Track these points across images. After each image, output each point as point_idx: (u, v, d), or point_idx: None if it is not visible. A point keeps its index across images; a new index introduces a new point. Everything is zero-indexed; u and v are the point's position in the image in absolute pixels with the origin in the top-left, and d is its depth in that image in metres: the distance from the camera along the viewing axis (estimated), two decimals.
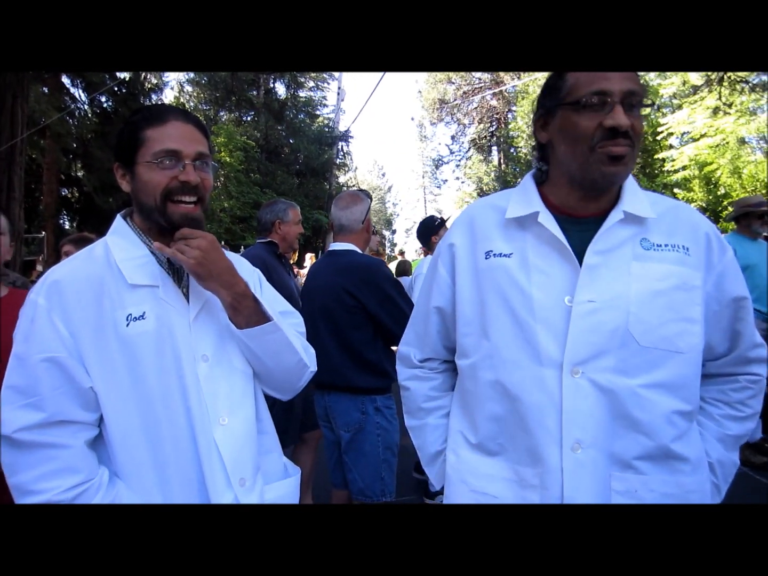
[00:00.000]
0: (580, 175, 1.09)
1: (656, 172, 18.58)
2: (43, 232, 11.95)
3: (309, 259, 9.91)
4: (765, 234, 4.34)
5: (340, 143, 21.67)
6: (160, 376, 1.16)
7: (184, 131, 1.22)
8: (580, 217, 1.14)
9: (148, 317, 1.16)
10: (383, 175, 50.24)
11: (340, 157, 22.46)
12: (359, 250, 2.54)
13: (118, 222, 1.28)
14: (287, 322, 1.41)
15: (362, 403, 2.38)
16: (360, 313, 2.37)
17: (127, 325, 1.14)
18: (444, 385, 1.36)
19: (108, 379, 1.13)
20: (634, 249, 1.09)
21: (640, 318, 1.04)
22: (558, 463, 1.04)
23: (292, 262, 3.95)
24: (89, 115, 14.64)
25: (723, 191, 13.60)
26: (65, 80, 13.81)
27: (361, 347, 2.38)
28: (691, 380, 1.08)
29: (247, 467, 1.23)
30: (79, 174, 14.95)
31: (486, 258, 1.17)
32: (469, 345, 1.20)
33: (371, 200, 2.66)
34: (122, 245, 1.23)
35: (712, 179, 14.12)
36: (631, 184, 1.15)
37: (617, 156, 1.04)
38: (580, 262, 1.08)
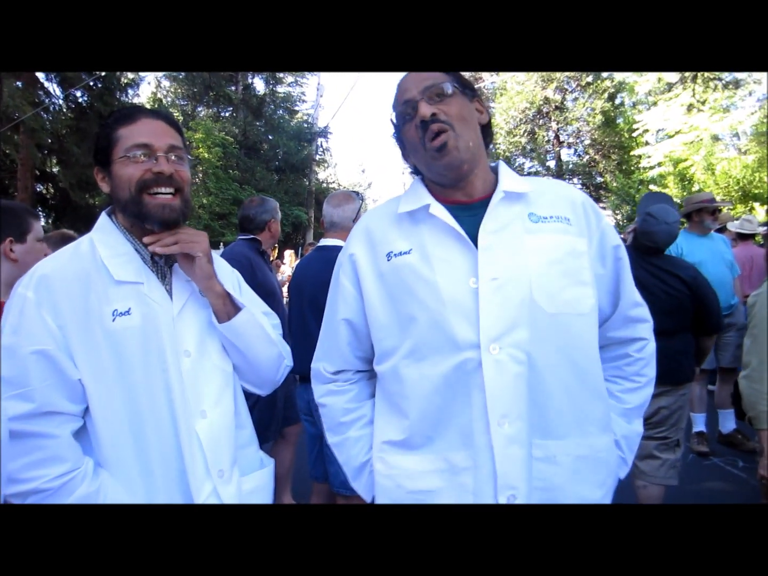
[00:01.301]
0: (434, 176, 1.21)
1: (632, 168, 18.84)
2: None
3: (288, 255, 9.85)
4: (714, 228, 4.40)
5: (319, 139, 21.56)
6: (144, 370, 1.19)
7: (154, 127, 1.26)
8: (468, 203, 1.20)
9: (133, 313, 1.19)
10: (363, 171, 50.10)
11: (320, 153, 22.34)
12: None
13: (103, 219, 1.31)
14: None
15: None
16: None
17: (113, 320, 1.18)
18: (361, 395, 1.34)
19: (94, 372, 1.17)
20: (524, 224, 1.16)
21: (541, 286, 1.10)
22: (487, 441, 1.07)
23: (272, 258, 3.96)
24: (64, 110, 14.37)
25: (697, 187, 13.82)
26: (40, 75, 13.52)
27: None
28: (593, 339, 1.17)
29: (225, 460, 1.27)
30: (55, 170, 14.68)
31: (388, 260, 1.20)
32: (389, 347, 1.20)
33: (363, 201, 2.73)
34: (107, 242, 1.26)
35: (687, 175, 14.35)
36: (504, 169, 1.24)
37: (440, 147, 1.12)
38: (476, 245, 1.13)
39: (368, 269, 1.23)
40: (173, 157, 1.25)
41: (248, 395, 1.46)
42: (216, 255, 1.51)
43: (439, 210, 1.17)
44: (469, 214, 1.18)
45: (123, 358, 1.18)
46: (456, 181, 1.19)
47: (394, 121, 1.25)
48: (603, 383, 1.19)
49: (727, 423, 4.37)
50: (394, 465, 1.19)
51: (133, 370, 1.18)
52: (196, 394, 1.24)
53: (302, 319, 2.55)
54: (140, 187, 1.21)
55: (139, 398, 1.19)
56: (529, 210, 1.18)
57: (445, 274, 1.13)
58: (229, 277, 1.44)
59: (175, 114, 19.28)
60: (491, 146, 1.35)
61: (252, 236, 3.08)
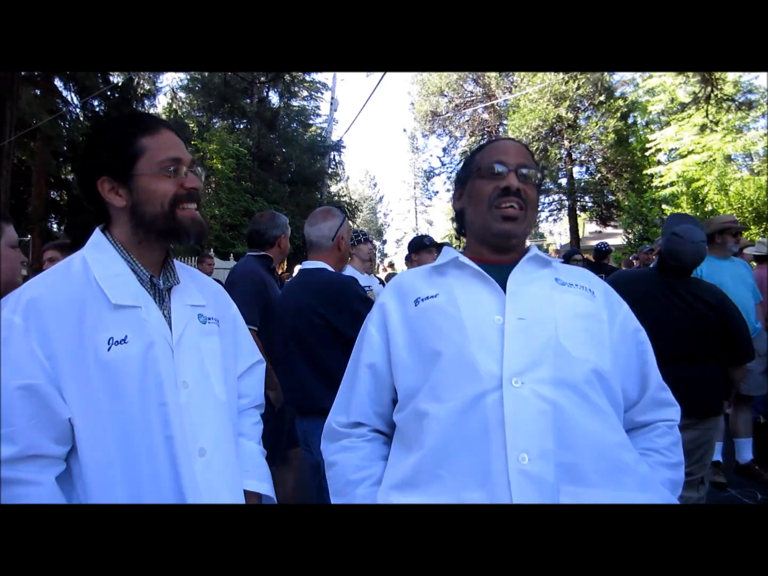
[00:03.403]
0: (482, 233, 1.28)
1: (645, 187, 18.78)
2: (29, 236, 11.70)
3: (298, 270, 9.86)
4: (735, 251, 4.35)
5: (332, 153, 21.71)
6: (141, 404, 1.10)
7: (176, 139, 1.22)
8: (497, 262, 1.27)
9: (130, 341, 1.10)
10: (375, 185, 50.37)
11: (332, 166, 22.49)
12: (330, 268, 2.45)
13: (98, 236, 1.21)
14: (251, 378, 1.50)
15: None
16: (330, 333, 2.29)
17: (108, 349, 1.08)
18: (374, 454, 1.26)
19: (86, 407, 1.06)
20: (551, 283, 1.23)
21: (567, 333, 1.12)
22: (505, 477, 0.99)
23: (280, 272, 3.94)
24: (81, 119, 14.57)
25: (710, 208, 13.73)
26: (58, 83, 13.74)
27: (334, 369, 2.20)
28: (612, 400, 1.12)
29: (226, 500, 1.19)
30: (69, 177, 14.85)
31: (416, 305, 1.24)
32: (412, 387, 1.16)
33: (346, 216, 2.58)
34: (102, 261, 1.17)
35: (700, 195, 14.27)
36: (535, 246, 1.34)
37: (509, 216, 1.22)
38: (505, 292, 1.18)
39: (396, 315, 1.26)
40: (194, 170, 1.23)
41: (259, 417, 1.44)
42: (224, 293, 1.49)
43: (467, 260, 1.24)
44: (497, 270, 1.22)
45: (118, 391, 1.08)
46: (498, 249, 1.28)
47: (470, 166, 1.33)
48: (629, 441, 1.12)
49: (744, 453, 4.22)
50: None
51: (129, 405, 1.08)
52: (194, 429, 1.15)
53: (286, 350, 2.42)
54: (173, 203, 1.17)
55: (133, 436, 1.08)
56: (556, 276, 1.25)
57: (470, 311, 1.15)
58: (227, 311, 1.42)
59: (190, 125, 19.49)
60: None
61: (263, 253, 3.01)
